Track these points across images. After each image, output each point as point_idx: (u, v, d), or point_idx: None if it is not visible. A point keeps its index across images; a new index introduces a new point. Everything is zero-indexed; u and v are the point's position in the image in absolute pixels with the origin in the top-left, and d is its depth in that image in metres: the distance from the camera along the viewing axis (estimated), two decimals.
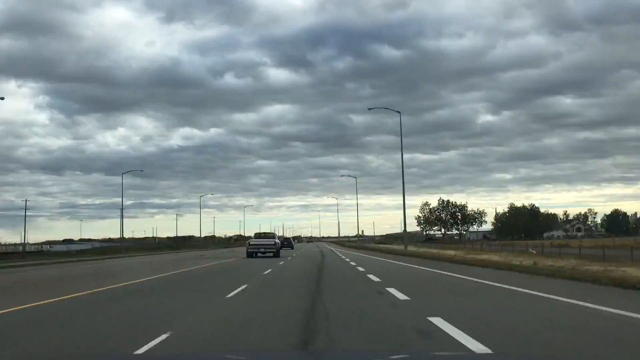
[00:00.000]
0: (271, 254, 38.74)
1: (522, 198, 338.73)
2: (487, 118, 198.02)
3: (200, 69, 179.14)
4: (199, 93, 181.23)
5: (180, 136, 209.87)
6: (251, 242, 41.36)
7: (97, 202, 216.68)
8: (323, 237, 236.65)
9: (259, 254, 38.94)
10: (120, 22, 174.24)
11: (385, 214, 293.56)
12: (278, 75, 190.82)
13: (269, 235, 44.42)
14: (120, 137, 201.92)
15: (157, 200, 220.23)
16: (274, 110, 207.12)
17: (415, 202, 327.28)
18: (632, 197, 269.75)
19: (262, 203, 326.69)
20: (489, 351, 6.10)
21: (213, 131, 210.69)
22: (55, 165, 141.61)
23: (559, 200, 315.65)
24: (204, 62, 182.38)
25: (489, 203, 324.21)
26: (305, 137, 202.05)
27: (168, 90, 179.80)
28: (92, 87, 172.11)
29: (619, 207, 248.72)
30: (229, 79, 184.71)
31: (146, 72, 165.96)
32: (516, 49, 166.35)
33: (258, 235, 44.66)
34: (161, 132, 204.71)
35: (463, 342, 6.66)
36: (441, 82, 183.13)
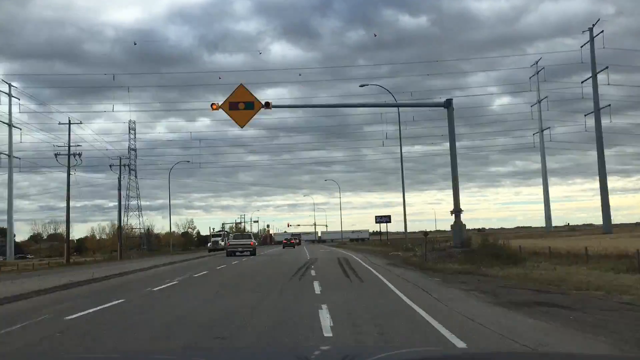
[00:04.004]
0: (248, 253, 43.71)
1: (512, 194, 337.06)
2: (501, 101, 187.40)
3: (187, 41, 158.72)
4: (185, 73, 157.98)
5: (165, 128, 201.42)
6: (230, 242, 46.83)
7: (78, 204, 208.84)
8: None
9: (237, 253, 43.92)
10: None
11: (371, 212, 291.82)
12: (276, 49, 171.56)
13: (246, 236, 49.69)
14: (99, 128, 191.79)
15: (141, 202, 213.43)
16: (269, 94, 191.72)
17: (407, 200, 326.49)
18: (621, 190, 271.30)
19: (249, 203, 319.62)
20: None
21: (201, 122, 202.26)
22: (30, 163, 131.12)
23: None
24: (191, 34, 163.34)
25: (477, 200, 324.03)
26: (300, 128, 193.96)
27: (150, 69, 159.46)
28: (62, 67, 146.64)
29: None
30: (220, 55, 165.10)
31: (122, 46, 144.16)
32: (558, 13, 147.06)
33: (236, 236, 49.85)
34: (144, 121, 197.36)
35: None
36: (463, 57, 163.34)
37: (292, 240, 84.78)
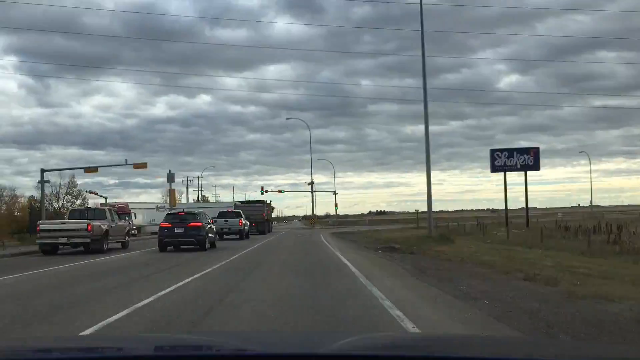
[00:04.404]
0: (81, 247, 21.77)
1: (514, 175, 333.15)
2: (509, 80, 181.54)
3: (187, 15, 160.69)
4: (185, 48, 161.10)
5: (165, 104, 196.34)
6: (41, 227, 21.99)
7: (79, 181, 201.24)
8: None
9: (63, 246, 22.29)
10: None
11: (372, 192, 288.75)
12: (279, 25, 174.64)
13: (97, 214, 23.59)
14: (98, 104, 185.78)
15: (141, 180, 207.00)
16: (272, 71, 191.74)
17: (408, 180, 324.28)
18: (627, 172, 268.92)
19: (250, 182, 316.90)
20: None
21: (201, 99, 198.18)
22: (30, 139, 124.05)
23: (551, 176, 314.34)
24: (192, 7, 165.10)
25: (480, 180, 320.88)
26: (303, 105, 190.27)
27: (149, 44, 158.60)
28: (61, 41, 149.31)
29: (608, 184, 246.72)
30: (221, 30, 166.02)
31: (121, 19, 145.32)
32: None
33: (73, 214, 24.35)
34: (144, 98, 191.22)
35: None
36: (472, 34, 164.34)
37: (191, 224, 22.96)
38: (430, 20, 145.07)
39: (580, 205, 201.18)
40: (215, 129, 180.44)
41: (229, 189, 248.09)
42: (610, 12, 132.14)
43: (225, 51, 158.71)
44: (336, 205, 69.53)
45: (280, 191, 76.89)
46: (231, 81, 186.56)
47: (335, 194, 69.72)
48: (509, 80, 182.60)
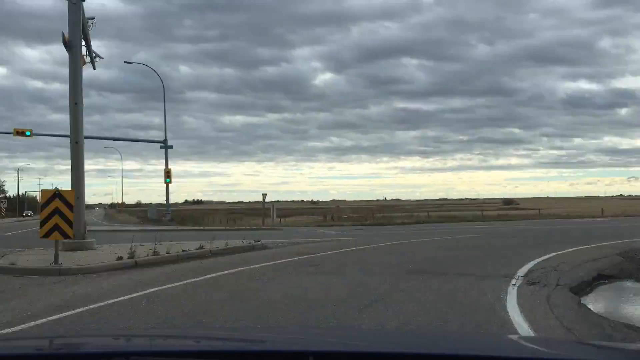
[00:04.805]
0: None
1: (325, 169, 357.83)
2: (324, 77, 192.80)
3: None
4: None
5: None
6: None
7: None
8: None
9: None
10: None
11: (187, 181, 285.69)
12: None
13: None
14: None
15: None
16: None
17: (224, 170, 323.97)
18: (420, 170, 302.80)
19: (51, 166, 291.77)
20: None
21: None
22: None
23: (357, 171, 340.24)
24: None
25: (293, 173, 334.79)
26: (116, 87, 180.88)
27: None
28: None
29: (406, 180, 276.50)
30: None
31: None
32: None
33: None
34: None
35: None
36: (292, 30, 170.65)
37: None
38: (252, 12, 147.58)
39: (387, 198, 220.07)
40: (11, 106, 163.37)
41: (26, 172, 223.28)
42: (415, 22, 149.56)
43: (28, 20, 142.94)
44: (168, 175, 38.77)
45: (21, 133, 35.70)
46: (33, 53, 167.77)
47: (167, 147, 39.76)
48: (324, 78, 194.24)
